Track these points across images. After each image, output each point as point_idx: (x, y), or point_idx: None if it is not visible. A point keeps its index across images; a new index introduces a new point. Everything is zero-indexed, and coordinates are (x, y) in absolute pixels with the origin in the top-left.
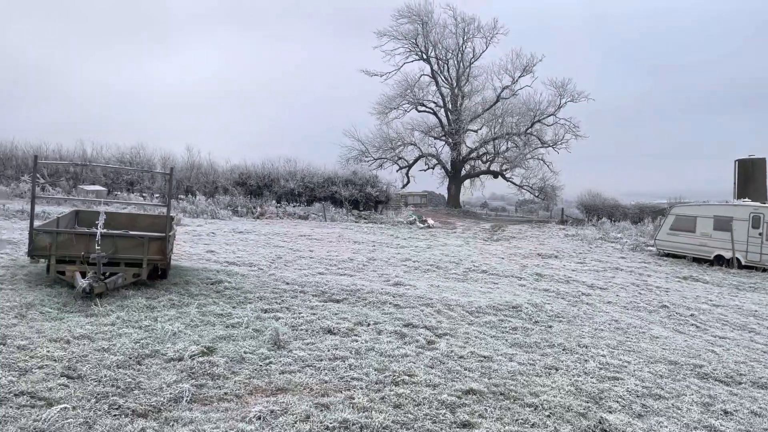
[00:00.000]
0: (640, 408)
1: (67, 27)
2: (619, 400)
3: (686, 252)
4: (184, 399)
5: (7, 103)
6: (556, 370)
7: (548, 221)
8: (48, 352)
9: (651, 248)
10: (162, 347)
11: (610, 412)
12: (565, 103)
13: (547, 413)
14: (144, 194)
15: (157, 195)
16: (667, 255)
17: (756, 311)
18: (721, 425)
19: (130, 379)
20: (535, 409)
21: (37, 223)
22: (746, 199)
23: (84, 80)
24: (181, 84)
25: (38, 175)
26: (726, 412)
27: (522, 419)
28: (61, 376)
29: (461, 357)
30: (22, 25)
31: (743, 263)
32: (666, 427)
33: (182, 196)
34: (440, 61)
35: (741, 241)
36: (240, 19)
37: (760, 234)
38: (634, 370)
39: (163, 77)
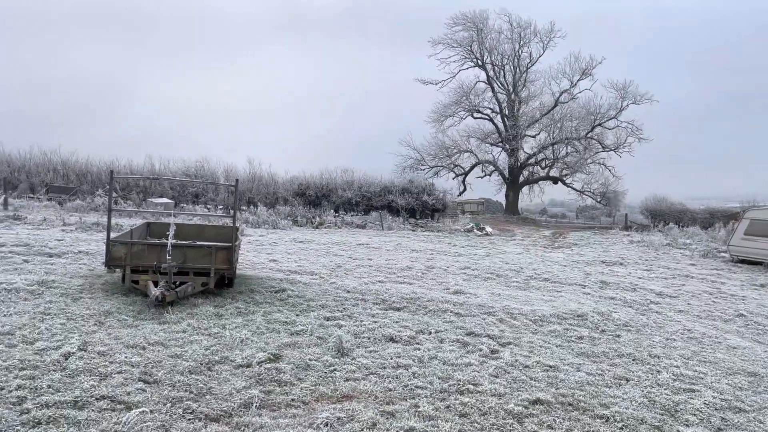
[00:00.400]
0: (720, 422)
1: (135, 48)
2: (697, 413)
3: (763, 258)
4: (254, 405)
5: (82, 122)
6: (627, 380)
7: (611, 227)
8: (125, 357)
9: (724, 254)
10: (231, 354)
11: (687, 425)
12: (627, 105)
13: (619, 425)
14: (208, 206)
15: (221, 206)
16: (742, 261)
17: None
18: None
19: (202, 385)
20: (607, 420)
21: (112, 235)
22: None
23: (150, 98)
24: (239, 96)
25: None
26: None
27: (593, 431)
28: (138, 381)
29: (526, 366)
30: (93, 48)
31: None
32: None
33: (244, 207)
34: (496, 67)
35: None
36: (296, 31)
37: None
38: (711, 382)
39: (222, 91)
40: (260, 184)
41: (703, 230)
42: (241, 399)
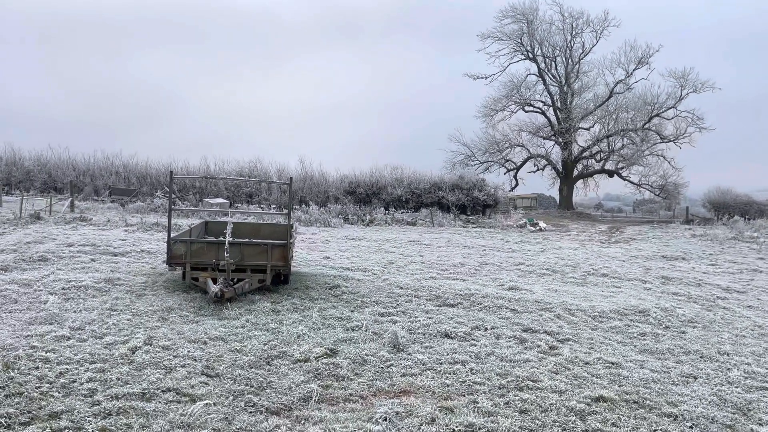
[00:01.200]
0: None
1: (192, 55)
2: None
3: None
4: (313, 398)
5: (142, 126)
6: (695, 378)
7: (671, 221)
8: (188, 352)
9: None
10: (288, 349)
11: (761, 424)
12: (687, 94)
13: (689, 424)
14: (262, 205)
15: (274, 206)
16: None
17: None
18: None
19: (261, 379)
20: (675, 419)
21: (172, 234)
22: None
23: (207, 102)
24: (289, 98)
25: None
26: None
27: (661, 429)
28: (201, 375)
29: (587, 363)
30: (154, 56)
31: None
32: None
33: (296, 206)
34: (547, 59)
35: None
36: (344, 32)
37: None
38: None
39: (275, 93)
40: (311, 183)
41: None
42: (300, 393)
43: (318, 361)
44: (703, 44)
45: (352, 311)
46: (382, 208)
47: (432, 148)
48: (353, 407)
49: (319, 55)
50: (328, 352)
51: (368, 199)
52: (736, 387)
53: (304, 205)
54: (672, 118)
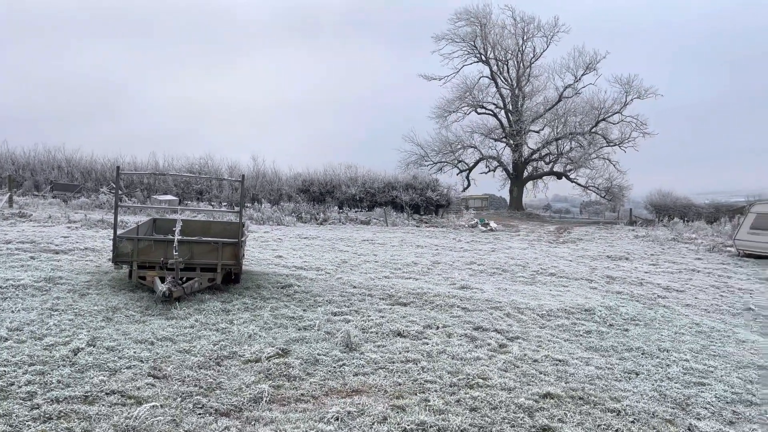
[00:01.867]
0: (731, 415)
1: (140, 49)
2: (708, 406)
3: None
4: (264, 399)
5: (88, 120)
6: (637, 374)
7: (616, 222)
8: (134, 353)
9: (730, 249)
10: (239, 349)
11: (699, 418)
12: (632, 100)
13: (631, 419)
14: (212, 203)
15: (225, 203)
16: (748, 255)
17: None
18: None
19: (211, 380)
20: (618, 414)
21: (118, 231)
22: None
23: (157, 96)
24: (243, 96)
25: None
26: None
27: (604, 425)
28: (148, 376)
29: (535, 360)
30: (103, 47)
31: None
32: None
33: (248, 204)
34: (500, 62)
35: None
36: (306, 32)
37: None
38: (721, 376)
39: (228, 90)
40: (264, 181)
41: (709, 225)
42: (250, 394)
43: (269, 361)
44: (646, 52)
45: (304, 310)
46: (336, 207)
47: (387, 148)
48: (305, 407)
49: (276, 53)
50: (280, 352)
51: (322, 197)
52: (675, 382)
53: (256, 203)
54: (618, 123)
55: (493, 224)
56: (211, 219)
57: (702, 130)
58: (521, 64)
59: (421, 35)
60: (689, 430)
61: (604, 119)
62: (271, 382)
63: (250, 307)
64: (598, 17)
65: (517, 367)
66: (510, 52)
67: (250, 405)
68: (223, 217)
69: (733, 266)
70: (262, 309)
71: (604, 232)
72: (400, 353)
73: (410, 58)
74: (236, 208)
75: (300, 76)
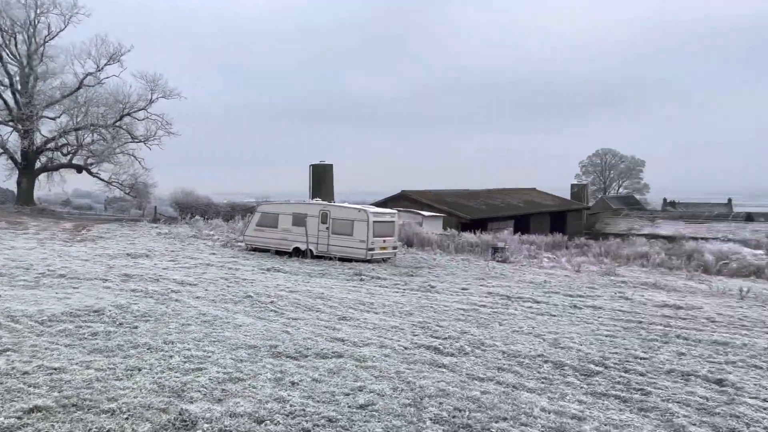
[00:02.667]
0: (220, 393)
1: None
2: (201, 389)
3: (270, 246)
4: None
5: None
6: (139, 370)
7: (140, 220)
8: None
9: (240, 244)
10: None
11: (191, 402)
12: (157, 98)
13: (125, 416)
14: None
15: None
16: (255, 249)
17: (322, 293)
18: (288, 395)
19: None
20: (112, 414)
21: None
22: (318, 199)
23: None
24: None
25: None
26: (293, 383)
27: (96, 428)
28: None
29: (25, 373)
30: None
31: (315, 254)
32: (242, 406)
33: None
34: (6, 34)
35: (313, 234)
36: None
37: (327, 228)
38: (217, 359)
39: None
40: None
41: (225, 222)
42: None
43: None
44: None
45: None
46: None
47: None
48: None
49: None
50: None
51: None
52: (176, 372)
53: None
54: (143, 119)
55: None
56: None
57: (223, 134)
58: (34, 40)
59: None
60: (180, 414)
61: (129, 114)
62: None
63: None
64: (126, 9)
65: (2, 383)
66: (19, 24)
67: None
68: None
69: (242, 259)
70: None
71: (127, 229)
72: None
73: None
74: None
75: None
